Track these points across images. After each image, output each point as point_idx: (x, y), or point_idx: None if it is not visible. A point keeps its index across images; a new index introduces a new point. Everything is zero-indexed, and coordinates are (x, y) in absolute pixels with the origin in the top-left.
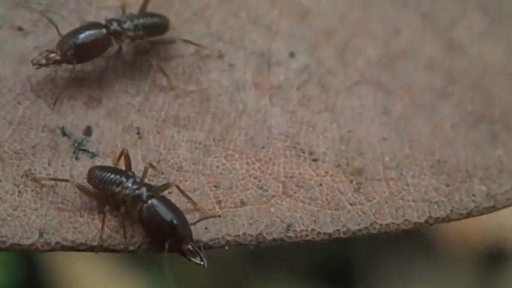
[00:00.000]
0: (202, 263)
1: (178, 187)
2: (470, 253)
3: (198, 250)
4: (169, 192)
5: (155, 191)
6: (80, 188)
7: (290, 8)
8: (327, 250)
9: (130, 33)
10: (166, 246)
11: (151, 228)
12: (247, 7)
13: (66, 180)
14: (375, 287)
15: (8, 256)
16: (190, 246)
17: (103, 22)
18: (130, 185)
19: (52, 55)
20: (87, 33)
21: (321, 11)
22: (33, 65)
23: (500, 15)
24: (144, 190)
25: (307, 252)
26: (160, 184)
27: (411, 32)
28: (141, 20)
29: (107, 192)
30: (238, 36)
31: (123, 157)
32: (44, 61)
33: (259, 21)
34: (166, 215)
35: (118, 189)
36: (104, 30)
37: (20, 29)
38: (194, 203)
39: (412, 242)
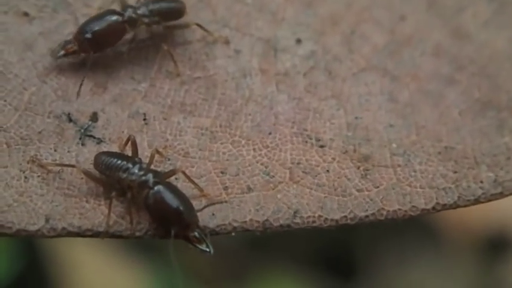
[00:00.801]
0: (208, 250)
1: (184, 173)
2: (472, 241)
3: (204, 237)
4: (176, 179)
5: (161, 177)
6: (86, 173)
7: None
8: (328, 238)
9: (146, 20)
10: (172, 232)
11: (157, 214)
12: None
13: (73, 166)
14: (376, 274)
15: (8, 244)
16: (196, 233)
17: (117, 9)
18: (136, 171)
19: (69, 46)
20: (103, 22)
21: None
22: (52, 56)
23: (505, 2)
24: (150, 176)
25: (308, 241)
26: (166, 170)
27: (417, 19)
28: (156, 6)
29: (113, 178)
30: (244, 23)
31: (129, 143)
32: (62, 52)
33: (264, 7)
34: (173, 201)
35: (124, 175)
36: (120, 18)
37: (26, 14)
38: (200, 189)
39: (414, 230)
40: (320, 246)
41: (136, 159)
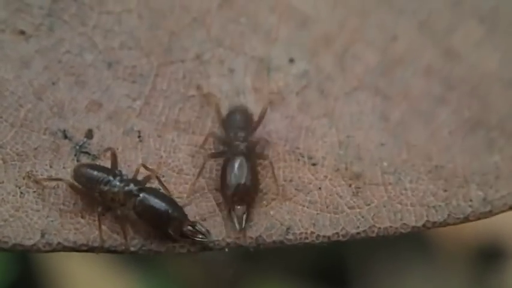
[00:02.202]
0: (206, 238)
1: (158, 179)
2: (465, 251)
3: (198, 228)
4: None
5: (143, 184)
6: (72, 186)
7: (289, 14)
8: (321, 249)
9: None
10: (172, 232)
11: (150, 219)
12: (247, 13)
13: (59, 179)
14: (369, 285)
15: (1, 253)
16: (190, 227)
17: None
18: (118, 183)
19: None
20: None
21: (320, 18)
22: None
23: (496, 24)
24: (132, 185)
25: (301, 252)
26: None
27: (409, 39)
28: None
29: (94, 190)
30: (238, 42)
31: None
32: None
33: (258, 27)
34: (160, 203)
35: (106, 188)
36: None
37: (22, 32)
38: (169, 192)
39: (406, 240)
40: (313, 257)
41: (116, 171)
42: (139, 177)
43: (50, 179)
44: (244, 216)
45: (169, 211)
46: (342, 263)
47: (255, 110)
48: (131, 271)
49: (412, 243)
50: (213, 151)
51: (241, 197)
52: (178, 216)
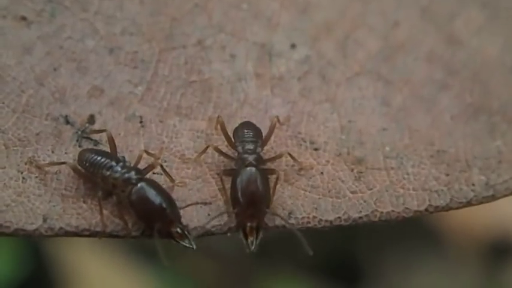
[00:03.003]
0: (190, 245)
1: (161, 166)
2: (476, 246)
3: (187, 233)
4: (154, 173)
5: (144, 174)
6: (75, 170)
7: (291, 1)
8: (332, 245)
9: None
10: (156, 229)
11: (140, 211)
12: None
13: (63, 163)
14: (380, 280)
15: (15, 250)
16: (179, 229)
17: None
18: (119, 168)
19: None
20: None
21: (322, 4)
22: None
23: (498, 10)
24: (133, 173)
25: (313, 248)
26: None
27: (410, 25)
28: None
29: (96, 175)
30: (239, 28)
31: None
32: None
33: (260, 13)
34: (155, 197)
35: (108, 173)
36: None
37: (24, 18)
38: (172, 180)
39: (417, 235)
40: (324, 252)
41: (120, 157)
42: (142, 163)
43: (53, 163)
44: (256, 235)
45: (163, 208)
46: (353, 258)
47: (257, 96)
48: (144, 267)
49: (423, 238)
50: (216, 164)
51: (252, 214)
52: (171, 215)
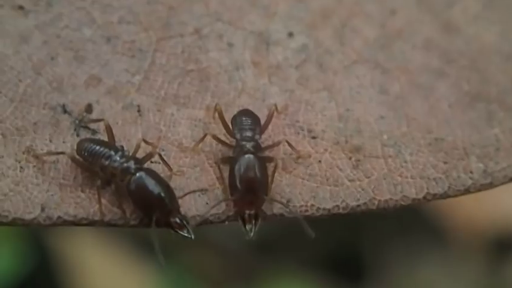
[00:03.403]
0: (189, 235)
1: (160, 155)
2: (479, 242)
3: (186, 223)
4: (152, 162)
5: (143, 164)
6: (74, 160)
7: None
8: (336, 240)
9: None
10: (154, 218)
11: (138, 200)
12: None
13: (62, 153)
14: (384, 276)
15: (18, 244)
16: (177, 219)
17: None
18: (118, 158)
19: None
20: None
21: None
22: None
23: None
24: (132, 163)
25: (315, 243)
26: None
27: (407, 13)
28: None
29: (95, 165)
30: (237, 17)
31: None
32: None
33: (257, 2)
34: (154, 187)
35: (107, 163)
36: None
37: (21, 7)
38: (170, 168)
39: (421, 230)
40: (328, 248)
41: (118, 146)
42: (140, 152)
43: (52, 153)
44: (254, 222)
45: (162, 198)
46: (357, 254)
47: (254, 84)
48: (147, 262)
49: (427, 234)
50: (214, 152)
51: (250, 201)
52: (170, 205)
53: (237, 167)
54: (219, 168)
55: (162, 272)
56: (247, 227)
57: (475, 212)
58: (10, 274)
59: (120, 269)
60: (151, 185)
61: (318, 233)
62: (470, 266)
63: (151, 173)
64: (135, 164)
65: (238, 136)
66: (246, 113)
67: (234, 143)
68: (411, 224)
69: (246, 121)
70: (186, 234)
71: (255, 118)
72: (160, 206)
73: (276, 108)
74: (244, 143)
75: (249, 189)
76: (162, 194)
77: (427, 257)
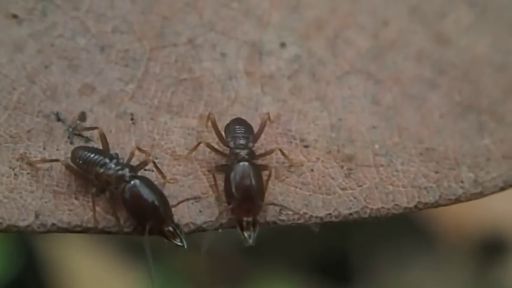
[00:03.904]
0: (182, 244)
1: (154, 163)
2: (467, 244)
3: (179, 232)
4: (145, 170)
5: (137, 172)
6: (69, 167)
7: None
8: (324, 243)
9: None
10: (147, 227)
11: (133, 208)
12: None
13: (56, 160)
14: (372, 278)
15: (5, 247)
16: (171, 228)
17: None
18: (113, 166)
19: None
20: None
21: (312, 3)
22: None
23: (486, 8)
24: (126, 171)
25: (304, 246)
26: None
27: (400, 24)
28: None
29: (90, 173)
30: (230, 27)
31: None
32: None
33: (250, 12)
34: (148, 195)
35: (101, 170)
36: None
37: (15, 16)
38: (163, 176)
39: (409, 233)
40: (317, 251)
41: (113, 154)
42: (134, 160)
43: (46, 160)
44: (253, 229)
45: (156, 206)
46: (345, 257)
47: (247, 94)
48: (136, 266)
49: (415, 237)
50: (207, 161)
51: (248, 208)
52: (163, 214)
53: (232, 175)
54: (213, 176)
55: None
56: (246, 233)
57: (463, 215)
58: None
59: (108, 272)
60: (146, 193)
61: (307, 235)
62: (458, 268)
63: (146, 181)
64: (129, 171)
65: (232, 144)
66: (239, 121)
67: (227, 151)
68: (399, 226)
69: (240, 129)
70: (179, 243)
71: (248, 126)
72: (154, 215)
73: (269, 117)
74: (238, 150)
75: (245, 197)
76: (156, 203)
77: (415, 260)
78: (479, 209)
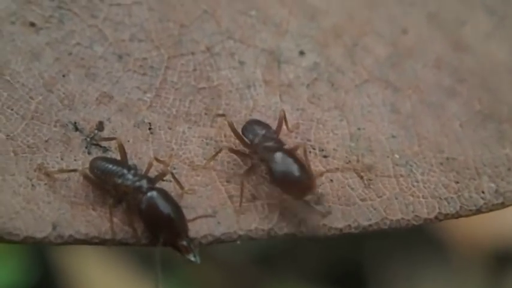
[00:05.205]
0: (195, 259)
1: (172, 173)
2: (480, 255)
3: (193, 247)
4: (164, 180)
5: (155, 183)
6: (86, 177)
7: (299, 7)
8: (337, 254)
9: None
10: (161, 239)
11: (148, 220)
12: (257, 6)
13: (74, 170)
14: None
15: (21, 258)
16: (185, 242)
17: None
18: (131, 176)
19: None
20: None
21: (330, 10)
22: None
23: (506, 16)
24: (144, 182)
25: (317, 256)
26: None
27: (418, 32)
28: None
29: (108, 183)
30: (248, 35)
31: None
32: None
33: (268, 20)
34: (165, 207)
35: (119, 181)
36: None
37: (33, 24)
38: (181, 187)
39: (422, 244)
40: (329, 261)
41: (131, 165)
42: (152, 170)
43: (64, 170)
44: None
45: (171, 219)
46: (358, 267)
47: (266, 102)
48: (149, 275)
49: (428, 248)
50: (226, 171)
51: (311, 184)
52: (178, 227)
53: (278, 166)
54: (241, 184)
55: (164, 283)
56: (318, 207)
57: (476, 226)
58: (14, 286)
59: (121, 283)
60: (162, 205)
61: (320, 246)
62: (471, 279)
63: (163, 193)
64: (147, 183)
65: (257, 140)
66: (255, 120)
67: (250, 152)
68: (413, 237)
69: (259, 126)
70: (192, 259)
71: (265, 124)
72: (168, 227)
73: (284, 114)
74: (268, 143)
75: (304, 175)
76: (172, 215)
77: (428, 271)
78: (492, 220)
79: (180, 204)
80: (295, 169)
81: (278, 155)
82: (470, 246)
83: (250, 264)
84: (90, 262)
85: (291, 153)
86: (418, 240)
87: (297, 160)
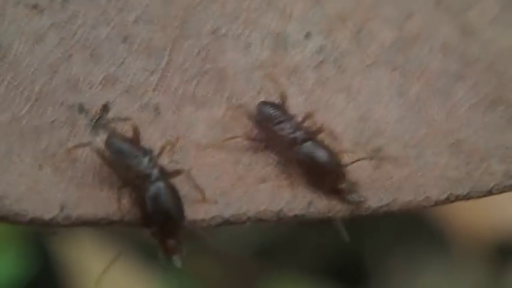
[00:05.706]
0: (176, 263)
1: (189, 174)
2: (481, 248)
3: (181, 250)
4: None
5: (165, 175)
6: (99, 153)
7: None
8: (338, 247)
9: None
10: (151, 231)
11: (146, 210)
12: None
13: (88, 144)
14: (385, 282)
15: (22, 250)
16: (175, 243)
17: None
18: (146, 162)
19: None
20: None
21: None
22: None
23: None
24: (156, 170)
25: (317, 249)
26: (179, 161)
27: (425, 16)
28: None
29: (121, 164)
30: (253, 17)
31: None
32: None
33: (273, 3)
34: (166, 202)
35: (134, 163)
36: None
37: (36, 6)
38: (203, 193)
39: (423, 237)
40: (329, 254)
41: (147, 149)
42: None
43: (79, 145)
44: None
45: (168, 216)
46: (358, 260)
47: (272, 84)
48: (151, 269)
49: (428, 240)
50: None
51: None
52: (174, 226)
53: (308, 157)
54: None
55: (165, 278)
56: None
57: (476, 219)
58: (14, 278)
59: (123, 276)
60: (165, 198)
61: (319, 238)
62: (471, 272)
63: (170, 187)
64: (159, 172)
65: (279, 130)
66: (268, 103)
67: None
68: (412, 230)
69: (276, 112)
70: (174, 260)
71: (282, 107)
72: (163, 224)
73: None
74: (293, 134)
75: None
76: (170, 213)
77: (429, 264)
78: (492, 212)
79: (189, 184)
80: (326, 159)
81: (308, 146)
82: (471, 238)
83: (250, 256)
84: (90, 254)
85: (321, 143)
86: (418, 232)
87: (328, 150)
